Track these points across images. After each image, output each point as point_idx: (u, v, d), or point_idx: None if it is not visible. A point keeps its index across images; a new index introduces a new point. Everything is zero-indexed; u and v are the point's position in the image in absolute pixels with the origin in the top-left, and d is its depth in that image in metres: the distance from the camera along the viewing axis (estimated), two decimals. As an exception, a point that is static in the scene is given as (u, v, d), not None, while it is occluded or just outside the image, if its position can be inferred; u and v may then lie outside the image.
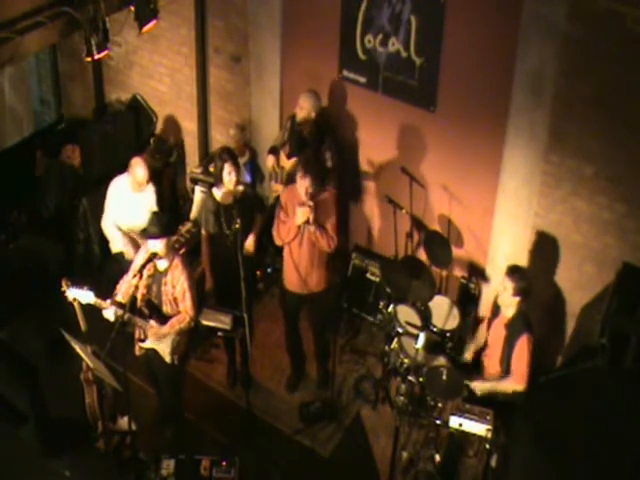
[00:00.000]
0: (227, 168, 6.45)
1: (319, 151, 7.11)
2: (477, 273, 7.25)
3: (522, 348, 5.79)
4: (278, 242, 6.50)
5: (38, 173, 8.34)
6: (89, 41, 5.83)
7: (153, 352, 6.09)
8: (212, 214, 6.56)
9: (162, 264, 5.91)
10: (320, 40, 7.26)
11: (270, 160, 7.39)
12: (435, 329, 6.61)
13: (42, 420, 5.91)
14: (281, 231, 6.40)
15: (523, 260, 6.78)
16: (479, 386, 6.00)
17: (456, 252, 7.07)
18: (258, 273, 7.59)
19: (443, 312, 6.73)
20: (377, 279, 7.44)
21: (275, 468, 6.44)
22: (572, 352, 6.77)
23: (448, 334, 6.59)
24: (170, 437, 6.54)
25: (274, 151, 7.38)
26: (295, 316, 6.87)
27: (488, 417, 5.69)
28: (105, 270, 7.40)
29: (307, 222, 6.25)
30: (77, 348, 5.76)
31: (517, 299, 5.82)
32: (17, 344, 6.47)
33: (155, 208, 7.01)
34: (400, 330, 6.61)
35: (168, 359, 6.07)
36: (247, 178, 7.75)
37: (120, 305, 5.81)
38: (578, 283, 6.67)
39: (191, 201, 7.81)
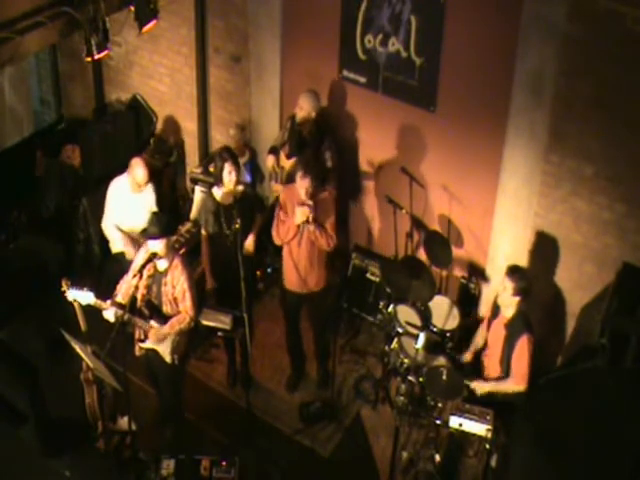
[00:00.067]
0: (227, 168, 6.46)
1: (319, 151, 7.11)
2: (477, 273, 7.25)
3: (522, 348, 5.79)
4: (277, 241, 6.50)
5: (38, 173, 8.34)
6: (89, 41, 5.83)
7: (153, 352, 6.09)
8: (212, 214, 6.57)
9: (162, 264, 5.91)
10: (320, 40, 7.26)
11: (270, 160, 7.39)
12: (435, 329, 6.61)
13: (42, 420, 5.91)
14: (280, 230, 6.40)
15: (523, 260, 6.78)
16: (479, 386, 6.00)
17: (456, 252, 7.07)
18: (258, 273, 7.59)
19: (443, 312, 6.73)
20: (377, 279, 7.44)
21: (275, 468, 6.44)
22: (572, 352, 6.77)
23: (448, 334, 6.59)
24: (170, 437, 6.54)
25: (274, 151, 7.38)
26: (295, 316, 6.88)
27: (488, 417, 5.69)
28: (105, 270, 7.40)
29: (306, 221, 6.26)
30: (77, 348, 5.76)
31: (517, 299, 5.82)
32: (17, 344, 6.47)
33: (155, 208, 7.01)
34: (400, 330, 6.61)
35: (168, 359, 6.07)
36: (247, 178, 7.75)
37: (120, 306, 5.82)
38: (578, 283, 6.67)
39: (191, 201, 7.81)
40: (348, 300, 7.65)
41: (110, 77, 8.75)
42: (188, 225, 7.51)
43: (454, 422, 5.72)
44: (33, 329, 7.09)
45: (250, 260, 6.62)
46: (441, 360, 6.32)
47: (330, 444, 6.71)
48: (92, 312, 5.90)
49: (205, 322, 6.33)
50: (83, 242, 7.85)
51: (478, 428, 5.68)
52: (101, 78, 8.73)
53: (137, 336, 6.06)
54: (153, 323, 5.93)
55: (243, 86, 7.96)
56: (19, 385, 5.86)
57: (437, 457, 6.25)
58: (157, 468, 6.01)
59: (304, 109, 7.03)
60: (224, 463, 6.04)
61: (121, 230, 7.06)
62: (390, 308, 6.83)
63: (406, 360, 6.39)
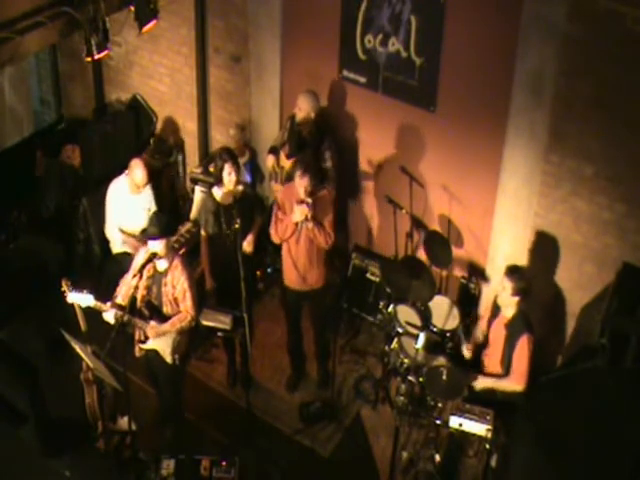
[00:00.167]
0: (227, 168, 6.46)
1: (319, 151, 7.11)
2: (477, 273, 7.25)
3: (522, 348, 5.79)
4: (275, 240, 6.51)
5: (38, 173, 8.34)
6: (89, 41, 5.83)
7: (153, 352, 6.09)
8: (212, 214, 6.57)
9: (162, 264, 5.91)
10: (320, 40, 7.26)
11: (270, 160, 7.38)
12: (435, 329, 6.61)
13: (42, 420, 5.91)
14: (278, 229, 6.41)
15: (523, 260, 6.78)
16: (479, 381, 6.00)
17: (456, 252, 7.07)
18: (258, 273, 7.59)
19: (443, 312, 6.73)
20: (377, 279, 7.44)
21: (275, 468, 6.44)
22: (572, 352, 6.77)
23: (448, 334, 6.59)
24: (170, 437, 6.54)
25: (274, 151, 7.38)
26: (297, 314, 6.88)
27: (488, 417, 5.69)
28: (105, 270, 7.40)
29: (305, 219, 6.26)
30: (77, 348, 5.76)
31: (516, 299, 5.82)
32: (17, 344, 6.47)
33: (154, 209, 7.01)
34: (400, 330, 6.61)
35: (169, 359, 6.07)
36: (247, 178, 7.75)
37: (120, 307, 5.81)
38: (578, 283, 6.67)
39: (191, 201, 7.81)
40: (348, 300, 7.65)
41: (110, 77, 8.75)
42: (188, 225, 7.51)
43: (454, 422, 5.72)
44: (33, 329, 7.09)
45: (250, 260, 6.62)
46: (441, 360, 6.32)
47: (330, 444, 6.71)
48: (92, 312, 5.90)
49: (205, 322, 6.33)
50: (83, 242, 7.85)
51: (478, 428, 5.68)
52: (101, 78, 8.73)
53: (137, 337, 6.06)
54: (153, 323, 5.93)
55: (243, 86, 7.96)
56: (19, 385, 5.86)
57: (437, 457, 6.25)
58: (157, 468, 6.01)
59: (303, 110, 7.03)
60: (224, 463, 6.03)
61: (124, 232, 7.05)
62: (390, 308, 6.83)
63: (406, 360, 6.39)
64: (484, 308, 7.13)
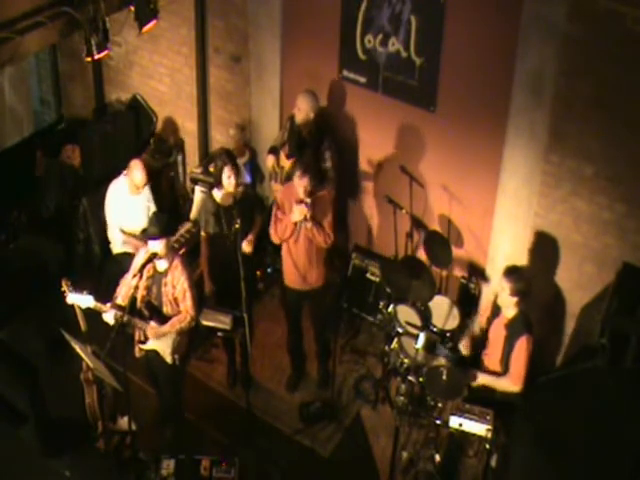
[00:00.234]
0: (226, 172, 6.46)
1: (319, 151, 7.11)
2: (477, 273, 7.25)
3: (521, 349, 5.79)
4: (275, 240, 6.51)
5: (38, 173, 8.34)
6: (89, 41, 5.83)
7: (153, 352, 6.09)
8: (212, 215, 6.57)
9: (162, 264, 5.91)
10: (320, 40, 7.26)
11: (270, 160, 7.38)
12: (435, 329, 6.61)
13: (42, 420, 5.91)
14: (278, 229, 6.41)
15: (523, 260, 6.78)
16: (478, 377, 6.00)
17: (456, 252, 7.07)
18: (258, 273, 7.60)
19: (443, 312, 6.73)
20: (377, 279, 7.44)
21: (275, 468, 6.44)
22: (572, 352, 6.78)
23: (448, 334, 6.59)
24: (170, 437, 6.54)
25: (274, 151, 7.38)
26: (297, 314, 6.88)
27: (488, 417, 5.69)
28: (105, 270, 7.40)
29: (304, 219, 6.26)
30: (77, 348, 5.76)
31: (515, 299, 5.82)
32: (17, 344, 6.47)
33: (153, 208, 7.01)
34: (400, 330, 6.61)
35: (169, 359, 6.07)
36: (247, 178, 7.75)
37: (120, 308, 5.81)
38: (578, 283, 6.67)
39: (191, 201, 7.81)
40: (348, 300, 7.65)
41: (110, 77, 8.75)
42: (188, 225, 7.51)
43: (454, 422, 5.72)
44: (33, 329, 7.10)
45: (250, 260, 6.62)
46: (441, 360, 6.32)
47: (330, 444, 6.71)
48: (92, 313, 5.90)
49: (205, 322, 6.33)
50: (83, 242, 7.85)
51: (478, 428, 5.68)
52: (101, 78, 8.73)
53: (137, 337, 6.06)
54: (153, 324, 5.93)
55: (243, 86, 7.96)
56: (19, 385, 5.86)
57: (437, 457, 6.26)
58: (157, 468, 6.01)
59: (302, 110, 7.03)
60: (224, 463, 6.04)
61: (125, 232, 7.05)
62: (390, 308, 6.83)
63: (406, 360, 6.39)
64: (484, 307, 7.14)
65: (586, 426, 5.14)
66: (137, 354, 6.16)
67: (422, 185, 7.20)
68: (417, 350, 6.14)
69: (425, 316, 6.70)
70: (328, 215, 6.41)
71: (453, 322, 6.67)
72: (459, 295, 7.31)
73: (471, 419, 5.69)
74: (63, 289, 5.78)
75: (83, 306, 5.82)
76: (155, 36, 7.98)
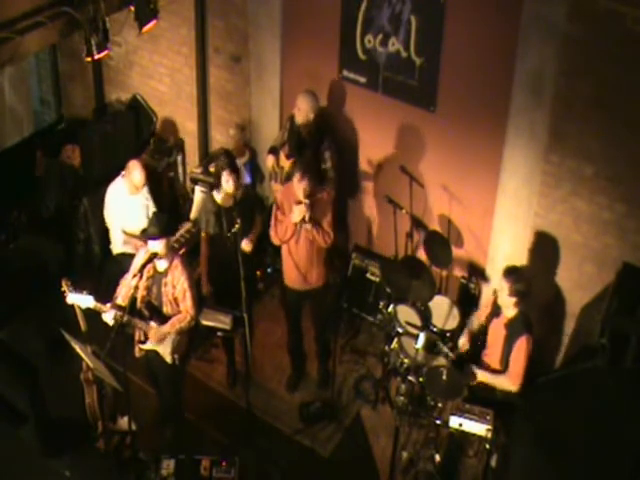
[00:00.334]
0: (225, 176, 6.46)
1: (318, 151, 7.12)
2: (477, 273, 7.25)
3: (520, 349, 5.80)
4: (275, 241, 6.51)
5: (38, 173, 8.34)
6: (89, 41, 5.83)
7: (153, 352, 6.09)
8: (213, 215, 6.57)
9: (162, 264, 5.91)
10: (320, 40, 7.26)
11: (270, 160, 7.38)
12: (435, 329, 6.61)
13: (42, 420, 5.91)
14: (278, 230, 6.41)
15: (523, 260, 6.78)
16: (478, 374, 6.01)
17: (456, 252, 7.07)
18: (258, 273, 7.60)
19: (443, 312, 6.73)
20: (377, 279, 7.44)
21: (275, 468, 6.44)
22: (572, 352, 6.78)
23: (448, 334, 6.59)
24: (170, 437, 6.54)
25: (274, 151, 7.38)
26: (297, 314, 6.88)
27: (488, 417, 5.69)
28: (105, 270, 7.40)
29: (303, 220, 6.26)
30: (77, 348, 5.76)
31: (514, 299, 5.82)
32: (17, 344, 6.47)
33: (153, 208, 7.01)
34: (400, 330, 6.61)
35: (169, 359, 6.07)
36: (247, 178, 7.75)
37: (120, 308, 5.81)
38: (578, 283, 6.67)
39: (191, 201, 7.81)
40: (348, 300, 7.65)
41: (110, 77, 8.75)
42: (188, 225, 7.51)
43: (454, 422, 5.73)
44: (33, 329, 7.10)
45: (250, 260, 6.62)
46: (441, 360, 6.32)
47: (330, 444, 6.71)
48: (92, 312, 5.90)
49: (205, 322, 6.33)
50: (83, 242, 7.85)
51: (478, 428, 5.68)
52: (101, 78, 8.73)
53: (137, 338, 6.06)
54: (153, 324, 5.93)
55: (243, 86, 7.96)
56: (19, 385, 5.86)
57: (437, 457, 6.26)
58: (157, 468, 6.01)
59: (302, 110, 7.03)
60: (224, 463, 6.04)
61: (126, 233, 7.05)
62: (390, 308, 6.83)
63: (406, 360, 6.39)
64: (484, 308, 7.13)
65: (586, 426, 5.14)
66: (137, 354, 6.16)
67: (422, 185, 7.20)
68: (417, 350, 6.14)
69: (425, 316, 6.70)
70: (328, 215, 6.41)
71: (453, 322, 6.68)
72: (459, 295, 7.31)
73: (471, 419, 5.69)
74: (63, 289, 5.78)
75: (83, 306, 5.81)
76: (155, 36, 7.98)
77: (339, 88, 7.36)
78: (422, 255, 6.98)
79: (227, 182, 6.46)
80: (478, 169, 6.88)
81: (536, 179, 6.52)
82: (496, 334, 6.01)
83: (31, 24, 5.59)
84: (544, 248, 6.72)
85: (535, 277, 6.43)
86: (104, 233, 7.30)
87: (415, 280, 6.56)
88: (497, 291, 5.96)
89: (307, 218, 6.24)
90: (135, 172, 6.92)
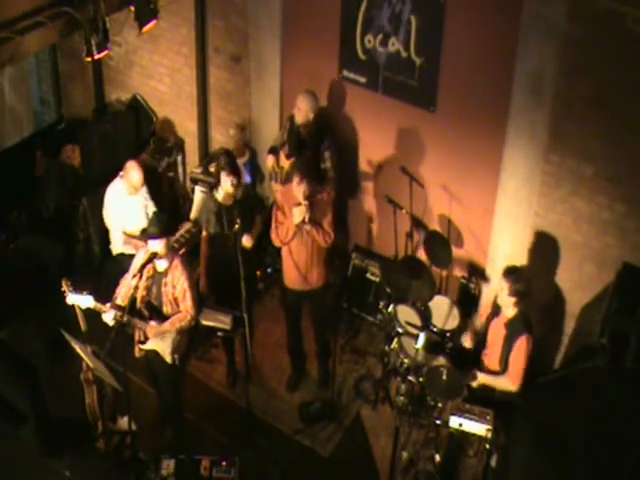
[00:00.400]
0: (224, 177, 6.45)
1: (318, 151, 7.12)
2: (477, 273, 7.25)
3: (520, 348, 5.80)
4: (276, 243, 6.49)
5: (38, 173, 8.34)
6: (89, 41, 5.83)
7: (153, 352, 6.09)
8: (214, 214, 6.57)
9: (162, 264, 5.91)
10: (320, 40, 7.26)
11: (270, 160, 7.39)
12: (435, 329, 6.61)
13: (42, 420, 5.91)
14: (280, 232, 6.40)
15: (523, 260, 6.78)
16: (477, 376, 6.00)
17: (456, 252, 7.07)
18: (258, 273, 7.59)
19: (443, 312, 6.73)
20: (377, 279, 7.44)
21: (275, 468, 6.44)
22: (572, 352, 6.78)
23: (448, 334, 6.59)
24: (170, 437, 6.54)
25: (274, 151, 7.38)
26: (297, 314, 6.88)
27: (488, 417, 5.69)
28: (105, 270, 7.40)
29: (303, 221, 6.26)
30: (77, 348, 5.76)
31: (514, 299, 5.82)
32: (17, 344, 6.47)
33: (152, 208, 7.01)
34: (400, 330, 6.61)
35: (169, 359, 6.06)
36: (247, 178, 7.75)
37: (120, 308, 5.81)
38: (578, 283, 6.67)
39: (191, 201, 7.81)
40: (348, 300, 7.65)
41: (110, 77, 8.75)
42: (188, 225, 7.51)
43: (454, 422, 5.72)
44: (33, 329, 7.10)
45: (250, 260, 6.61)
46: (441, 360, 6.32)
47: (330, 444, 6.71)
48: (92, 312, 5.90)
49: (205, 322, 6.33)
50: (83, 242, 7.85)
51: (478, 428, 5.68)
52: (101, 78, 8.73)
53: (137, 338, 6.06)
54: (153, 323, 5.93)
55: (243, 86, 7.96)
56: (19, 385, 5.86)
57: (437, 457, 6.26)
58: (157, 468, 6.01)
59: (302, 110, 7.03)
60: (224, 463, 6.03)
61: (127, 234, 7.05)
62: (390, 308, 6.83)
63: (406, 360, 6.39)
64: (484, 308, 7.13)
65: (586, 426, 5.13)
66: (137, 354, 6.16)
67: (422, 185, 7.20)
68: (417, 350, 6.14)
69: (425, 316, 6.70)
70: (328, 215, 6.41)
71: (453, 322, 6.67)
72: (459, 295, 7.31)
73: (471, 419, 5.69)
74: (63, 289, 5.78)
75: (83, 306, 5.82)
76: (155, 36, 7.98)
77: (339, 88, 7.36)
78: (422, 255, 6.98)
79: (225, 183, 6.46)
80: (478, 169, 6.88)
81: (536, 179, 6.52)
82: (496, 334, 6.01)
83: (31, 24, 5.59)
84: (544, 248, 6.72)
85: (535, 277, 6.43)
86: (104, 233, 7.30)
87: (415, 280, 6.56)
88: (497, 291, 5.96)
89: (307, 219, 6.24)
90: (133, 173, 6.92)
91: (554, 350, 6.98)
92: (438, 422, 6.01)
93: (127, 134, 8.48)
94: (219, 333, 6.58)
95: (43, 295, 6.97)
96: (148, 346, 6.04)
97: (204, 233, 6.70)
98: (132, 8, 6.23)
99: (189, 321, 5.99)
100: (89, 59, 5.97)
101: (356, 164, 7.57)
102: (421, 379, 6.14)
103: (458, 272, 7.36)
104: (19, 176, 8.12)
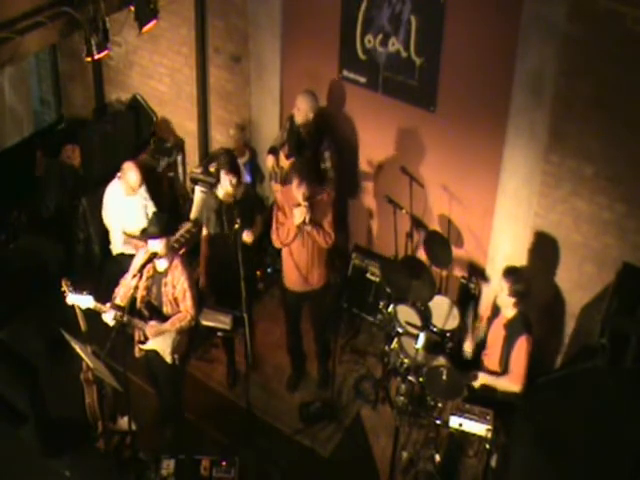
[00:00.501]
0: (224, 177, 6.45)
1: (318, 151, 7.12)
2: (477, 273, 7.25)
3: (521, 349, 5.79)
4: (277, 244, 6.48)
5: (38, 173, 8.34)
6: (89, 41, 5.83)
7: (153, 352, 6.09)
8: (214, 213, 6.57)
9: (162, 264, 5.91)
10: (320, 40, 7.26)
11: (270, 160, 7.39)
12: (435, 329, 6.61)
13: (42, 420, 5.91)
14: (280, 233, 6.40)
15: (523, 260, 6.78)
16: (478, 377, 6.00)
17: (456, 252, 7.07)
18: (258, 273, 7.59)
19: (443, 312, 6.73)
20: (377, 279, 7.44)
21: (275, 468, 6.44)
22: (572, 352, 6.78)
23: (448, 334, 6.59)
24: (170, 437, 6.54)
25: (274, 151, 7.38)
26: (297, 315, 6.88)
27: (488, 417, 5.69)
28: (105, 270, 7.40)
29: (304, 222, 6.26)
30: (77, 348, 5.76)
31: (513, 299, 5.82)
32: (17, 344, 6.47)
33: (152, 208, 7.01)
34: (400, 330, 6.61)
35: (169, 359, 6.06)
36: (247, 178, 7.75)
37: (120, 308, 5.81)
38: (578, 283, 6.67)
39: (191, 201, 7.81)
40: (348, 300, 7.65)
41: (110, 77, 8.75)
42: (188, 225, 7.51)
43: (454, 422, 5.72)
44: (33, 329, 7.10)
45: (250, 260, 6.61)
46: (441, 360, 6.32)
47: (330, 444, 6.71)
48: (92, 312, 5.90)
49: (205, 322, 6.33)
50: (83, 242, 7.85)
51: (478, 428, 5.68)
52: (101, 78, 8.73)
53: (137, 338, 6.06)
54: (153, 323, 5.93)
55: (243, 86, 7.96)
56: (19, 385, 5.86)
57: (437, 457, 6.26)
58: (157, 468, 6.01)
59: (301, 110, 7.03)
60: (224, 463, 6.03)
61: (126, 234, 7.04)
62: (390, 308, 6.83)
63: (406, 360, 6.39)
64: (484, 308, 7.14)
65: (586, 426, 5.13)
66: (137, 354, 6.16)
67: (422, 185, 7.20)
68: (417, 350, 6.14)
69: (425, 316, 6.70)
70: (328, 215, 6.41)
71: (453, 322, 6.68)
72: (459, 295, 7.31)
73: (471, 419, 5.69)
74: (63, 289, 5.78)
75: (83, 306, 5.82)
76: (155, 36, 7.98)
77: (339, 88, 7.36)
78: (422, 255, 6.98)
79: (224, 182, 6.46)
80: (478, 169, 6.88)
81: (536, 179, 6.52)
82: (496, 334, 6.00)
83: (31, 24, 5.59)
84: (544, 248, 6.72)
85: (535, 277, 6.43)
86: (104, 233, 7.30)
87: (415, 280, 6.56)
88: (497, 291, 5.96)
89: (307, 220, 6.24)
90: (130, 173, 6.91)
91: (554, 350, 6.98)
92: (438, 422, 6.01)
93: (127, 134, 8.49)
94: (219, 333, 6.58)
95: (43, 295, 6.97)
96: (148, 346, 6.05)
97: (204, 233, 6.70)
98: (132, 8, 6.23)
99: (189, 321, 5.99)
100: (89, 59, 5.97)
101: (356, 164, 7.57)
102: (421, 379, 6.14)
103: (458, 272, 7.36)
104: (19, 176, 8.12)
